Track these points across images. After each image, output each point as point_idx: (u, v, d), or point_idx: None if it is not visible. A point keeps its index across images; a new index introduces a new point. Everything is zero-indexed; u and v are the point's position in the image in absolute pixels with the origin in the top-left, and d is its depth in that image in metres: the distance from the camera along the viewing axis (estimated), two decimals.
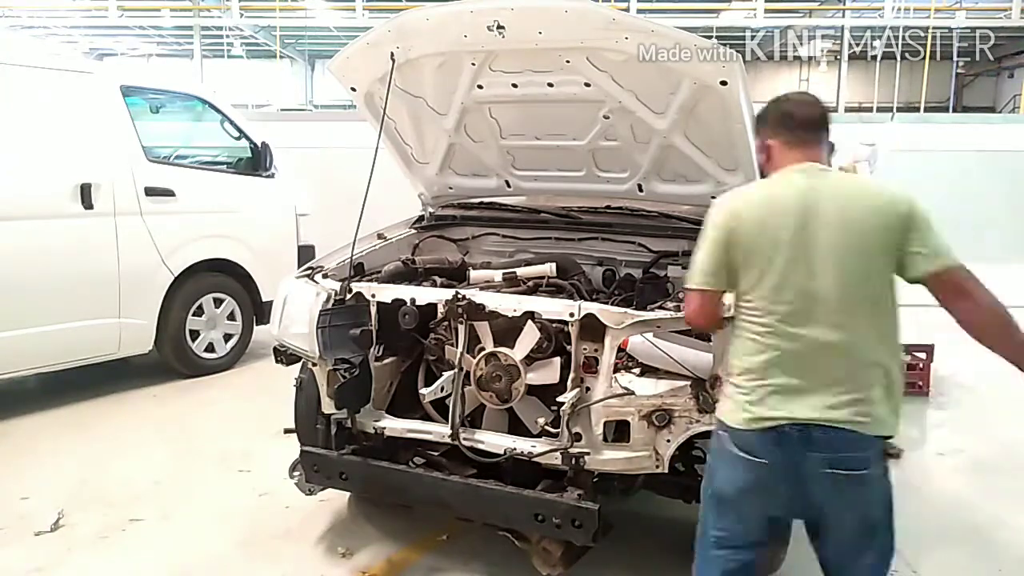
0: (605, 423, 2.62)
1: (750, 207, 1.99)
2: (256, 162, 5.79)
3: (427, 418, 3.07)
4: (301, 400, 3.36)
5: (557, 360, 2.77)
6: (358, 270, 3.27)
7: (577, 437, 2.63)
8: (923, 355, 5.28)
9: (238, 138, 5.80)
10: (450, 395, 2.88)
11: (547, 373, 2.78)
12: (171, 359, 5.42)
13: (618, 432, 2.63)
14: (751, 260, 1.94)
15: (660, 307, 2.70)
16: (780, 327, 1.91)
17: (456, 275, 3.39)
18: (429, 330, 3.08)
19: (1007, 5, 17.53)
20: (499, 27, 2.88)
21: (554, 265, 3.20)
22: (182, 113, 6.08)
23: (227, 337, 5.69)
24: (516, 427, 2.94)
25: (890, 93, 18.59)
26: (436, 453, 3.03)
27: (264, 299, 5.63)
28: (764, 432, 1.92)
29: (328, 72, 3.56)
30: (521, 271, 3.21)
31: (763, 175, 2.14)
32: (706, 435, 2.67)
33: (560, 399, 2.64)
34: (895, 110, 15.01)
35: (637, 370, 2.63)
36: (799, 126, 2.04)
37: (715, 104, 2.90)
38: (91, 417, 4.73)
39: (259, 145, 5.77)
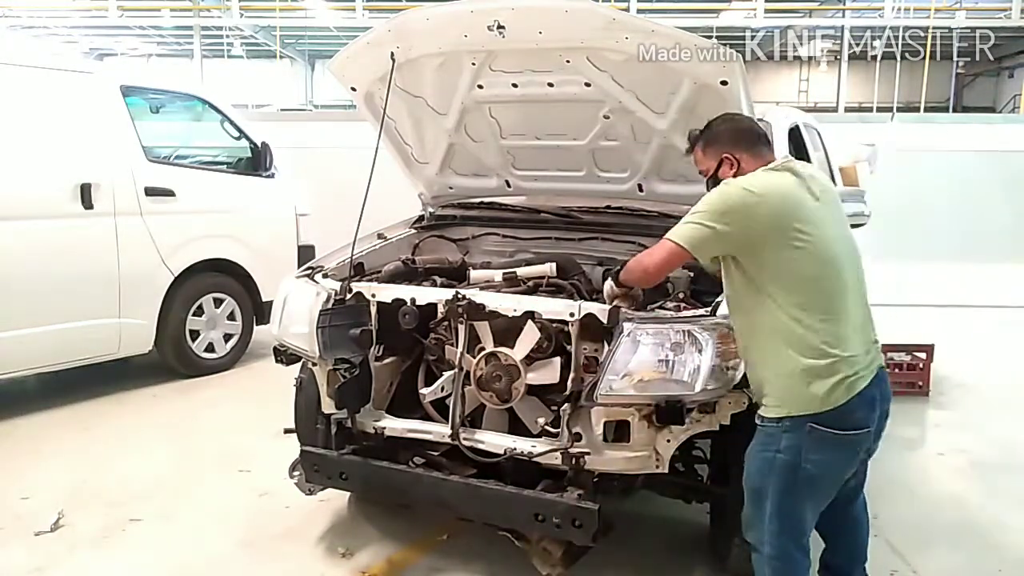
0: (605, 423, 2.61)
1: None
2: (256, 162, 5.79)
3: (427, 418, 3.07)
4: (301, 400, 3.36)
5: (557, 360, 2.77)
6: (358, 270, 3.27)
7: (577, 437, 2.63)
8: (923, 355, 5.28)
9: (238, 138, 5.80)
10: (450, 395, 2.88)
11: (547, 373, 2.78)
12: (171, 359, 5.41)
13: (618, 432, 2.63)
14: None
15: (660, 307, 2.70)
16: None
17: (456, 275, 3.38)
18: (429, 330, 3.08)
19: (1007, 5, 17.52)
20: (499, 27, 2.88)
21: (554, 265, 3.19)
22: (182, 113, 6.07)
23: (227, 337, 5.69)
24: (516, 427, 2.94)
25: (890, 93, 18.60)
26: (436, 453, 3.02)
27: (264, 299, 5.63)
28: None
29: (328, 72, 3.56)
30: (521, 271, 3.21)
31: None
32: (706, 435, 2.68)
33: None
34: (895, 110, 14.98)
35: None
36: (762, 139, 2.40)
37: (715, 104, 2.88)
38: (91, 417, 4.73)
39: (259, 145, 5.77)
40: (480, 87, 3.29)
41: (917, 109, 18.16)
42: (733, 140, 2.38)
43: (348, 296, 3.02)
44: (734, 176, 2.32)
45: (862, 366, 2.15)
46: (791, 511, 2.20)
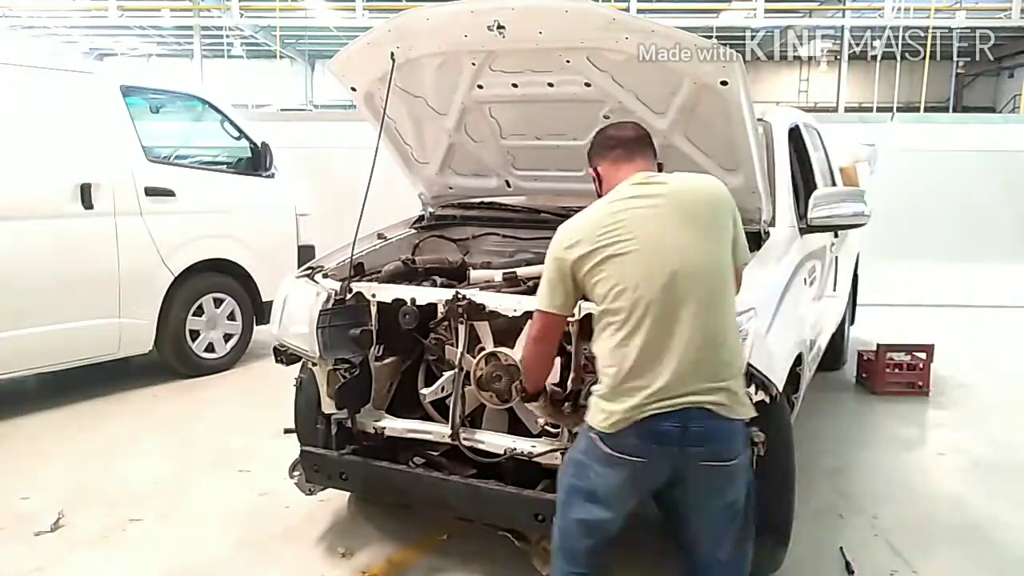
0: None
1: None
2: (256, 162, 5.79)
3: (427, 418, 3.07)
4: (301, 400, 3.36)
5: (557, 360, 2.77)
6: (358, 270, 3.27)
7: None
8: (923, 355, 5.28)
9: (238, 138, 5.80)
10: (450, 395, 2.89)
11: None
12: (171, 359, 5.42)
13: None
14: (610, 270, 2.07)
15: None
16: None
17: (456, 275, 3.39)
18: (429, 330, 3.08)
19: (1007, 5, 17.55)
20: (499, 27, 2.88)
21: None
22: (182, 113, 6.08)
23: (227, 337, 5.69)
24: (516, 427, 2.94)
25: (890, 93, 18.63)
26: (436, 453, 3.03)
27: (264, 299, 5.63)
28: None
29: (328, 72, 3.56)
30: (521, 271, 3.21)
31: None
32: None
33: None
34: (895, 110, 15.03)
35: None
36: (620, 145, 2.30)
37: (716, 104, 2.89)
38: (91, 417, 4.73)
39: (259, 145, 5.77)
40: (480, 87, 3.29)
41: (917, 109, 18.20)
42: (593, 154, 2.38)
43: (348, 296, 3.02)
44: (602, 190, 2.33)
45: (660, 398, 1.99)
46: (563, 507, 2.17)
